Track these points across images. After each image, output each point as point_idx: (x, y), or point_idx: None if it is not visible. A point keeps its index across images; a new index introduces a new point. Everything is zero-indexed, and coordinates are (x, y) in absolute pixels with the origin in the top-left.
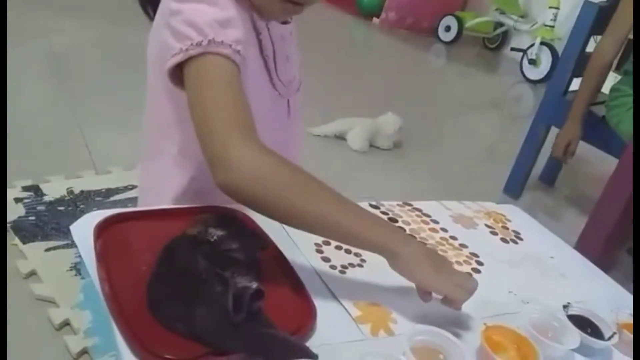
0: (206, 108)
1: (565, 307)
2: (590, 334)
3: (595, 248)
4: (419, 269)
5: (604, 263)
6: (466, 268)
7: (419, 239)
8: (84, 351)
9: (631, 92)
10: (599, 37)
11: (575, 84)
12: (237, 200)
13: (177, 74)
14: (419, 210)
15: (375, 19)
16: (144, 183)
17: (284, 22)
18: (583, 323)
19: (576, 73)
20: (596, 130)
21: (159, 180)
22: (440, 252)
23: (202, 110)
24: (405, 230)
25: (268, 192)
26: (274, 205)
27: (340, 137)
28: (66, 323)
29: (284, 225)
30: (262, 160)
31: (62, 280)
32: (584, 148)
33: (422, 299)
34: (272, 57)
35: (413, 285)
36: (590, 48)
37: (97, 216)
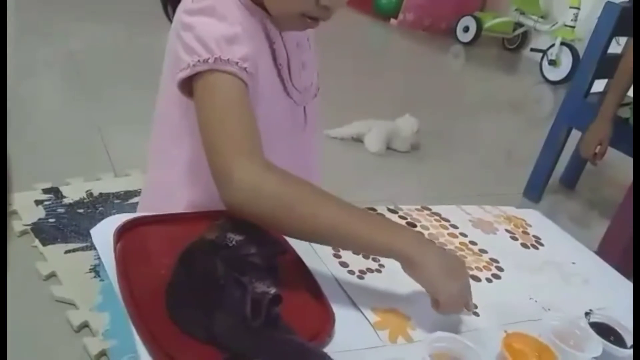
0: (213, 127)
1: (587, 314)
2: (613, 342)
3: (617, 254)
4: (433, 276)
5: (626, 269)
6: (486, 274)
7: (437, 244)
8: (103, 353)
9: None
10: (621, 39)
11: (597, 85)
12: (243, 218)
13: (188, 85)
14: (438, 214)
15: (392, 20)
16: (150, 190)
17: None
18: (605, 331)
19: (598, 75)
20: (619, 133)
21: (168, 190)
22: (459, 257)
23: (209, 129)
24: (423, 235)
25: (272, 211)
26: (280, 222)
27: (358, 140)
28: (85, 325)
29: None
30: (263, 180)
31: (82, 282)
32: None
33: (434, 307)
34: (287, 65)
35: None
36: (612, 49)
37: (117, 220)
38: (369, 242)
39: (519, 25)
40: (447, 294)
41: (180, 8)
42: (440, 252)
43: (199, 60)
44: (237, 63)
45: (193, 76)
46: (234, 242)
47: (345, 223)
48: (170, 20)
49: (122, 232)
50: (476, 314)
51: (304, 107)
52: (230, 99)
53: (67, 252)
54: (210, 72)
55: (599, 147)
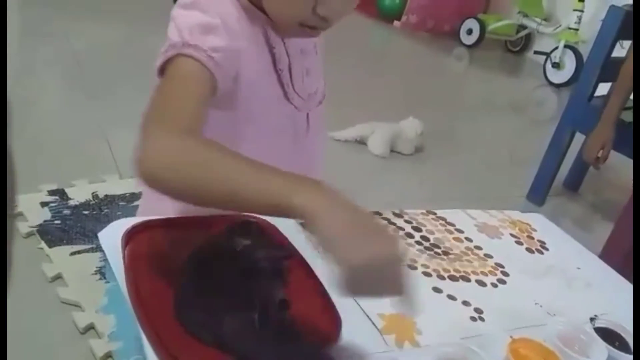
0: (153, 99)
1: (592, 319)
2: (618, 348)
3: (620, 257)
4: (333, 232)
5: (630, 273)
6: (491, 279)
7: (443, 249)
8: (109, 355)
9: None
10: (625, 42)
11: (601, 89)
12: (155, 190)
13: None
14: (443, 219)
15: (396, 22)
16: (146, 193)
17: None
18: (610, 336)
19: (602, 78)
20: (622, 136)
21: (160, 194)
22: (465, 262)
23: (150, 101)
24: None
25: (175, 175)
26: (184, 185)
27: (361, 142)
28: (91, 327)
29: (309, 235)
30: (170, 146)
31: (87, 284)
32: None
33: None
34: (288, 71)
35: (438, 295)
36: (616, 53)
37: (124, 223)
38: (265, 192)
39: (522, 27)
40: (348, 257)
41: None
42: (353, 206)
43: (170, 45)
44: (205, 50)
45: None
46: (241, 247)
47: (240, 172)
48: None
49: (131, 236)
50: (482, 319)
51: (307, 114)
52: (181, 77)
53: (72, 253)
54: (178, 57)
55: (601, 151)
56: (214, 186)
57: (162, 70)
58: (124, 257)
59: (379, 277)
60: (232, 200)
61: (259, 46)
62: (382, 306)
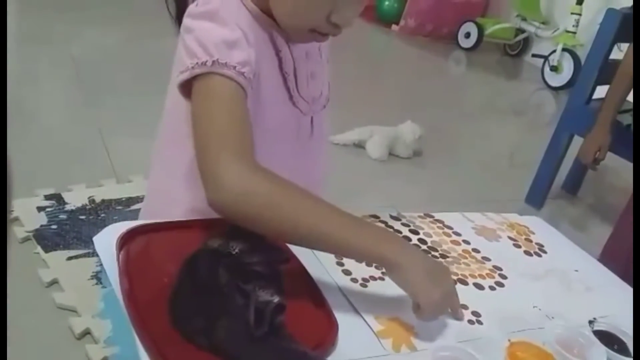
0: (202, 125)
1: (590, 322)
2: (617, 351)
3: (620, 261)
4: (415, 279)
5: (629, 276)
6: (489, 282)
7: (440, 251)
8: None
9: None
10: (622, 45)
11: (599, 91)
12: (227, 218)
13: (189, 88)
14: (441, 222)
15: (394, 26)
16: (152, 196)
17: None
18: (609, 339)
19: (600, 81)
20: (621, 139)
21: (169, 195)
22: (463, 265)
23: (199, 127)
24: (407, 241)
25: (255, 210)
26: (263, 221)
27: (360, 146)
28: (87, 332)
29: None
30: (249, 178)
31: (83, 289)
32: (608, 156)
33: (415, 312)
34: (293, 74)
35: None
36: (613, 55)
37: (119, 227)
38: (354, 245)
39: (520, 31)
40: (429, 298)
41: (186, 13)
42: (424, 256)
43: (197, 63)
44: (234, 67)
45: (192, 79)
46: (237, 250)
47: (328, 227)
48: (178, 24)
49: (125, 240)
50: (480, 323)
51: (312, 117)
52: (223, 99)
53: (69, 258)
54: (208, 75)
55: (598, 153)
56: (299, 231)
57: (186, 85)
58: (118, 261)
59: (445, 303)
60: (318, 244)
61: (266, 50)
62: (379, 310)
